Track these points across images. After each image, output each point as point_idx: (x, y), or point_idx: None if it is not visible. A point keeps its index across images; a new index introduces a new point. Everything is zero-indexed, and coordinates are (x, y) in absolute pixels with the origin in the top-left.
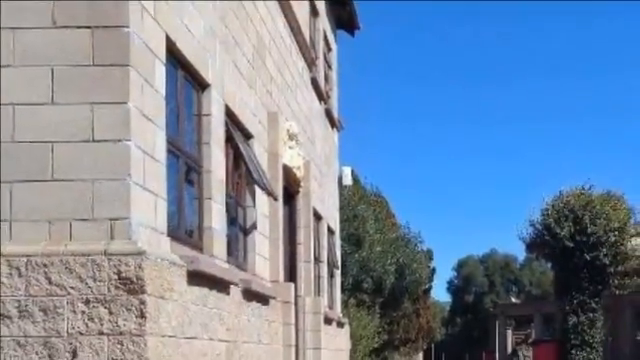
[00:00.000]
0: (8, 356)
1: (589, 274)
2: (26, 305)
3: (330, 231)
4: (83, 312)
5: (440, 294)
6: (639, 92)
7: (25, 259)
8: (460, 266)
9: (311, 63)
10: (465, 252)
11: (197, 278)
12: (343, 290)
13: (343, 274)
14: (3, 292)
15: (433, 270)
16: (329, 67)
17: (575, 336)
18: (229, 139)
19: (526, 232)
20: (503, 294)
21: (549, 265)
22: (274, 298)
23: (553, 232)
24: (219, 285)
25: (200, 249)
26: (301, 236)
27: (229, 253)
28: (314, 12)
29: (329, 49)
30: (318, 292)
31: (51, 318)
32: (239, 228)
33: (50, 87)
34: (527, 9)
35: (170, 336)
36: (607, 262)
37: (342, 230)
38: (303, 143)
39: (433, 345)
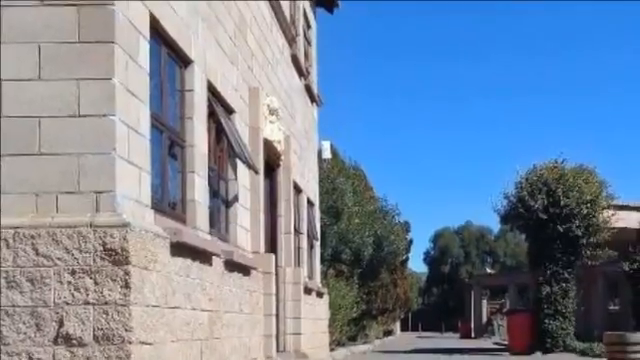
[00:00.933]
0: None
1: (562, 245)
2: (14, 276)
3: (310, 203)
4: (69, 282)
5: (417, 265)
6: (610, 69)
7: (13, 231)
8: (436, 237)
9: (291, 40)
10: (441, 224)
11: (180, 249)
12: (322, 261)
13: (322, 245)
14: None
15: (410, 241)
16: (309, 44)
17: (548, 306)
18: (211, 114)
19: (501, 204)
20: (478, 265)
21: (523, 237)
22: (255, 269)
23: (527, 204)
24: (202, 256)
25: (183, 221)
26: (281, 208)
27: (211, 225)
28: None
29: (309, 26)
30: (298, 263)
31: (38, 288)
32: (221, 200)
33: (37, 63)
34: None
35: (154, 306)
36: (579, 234)
37: (321, 202)
38: (283, 118)
39: (410, 314)
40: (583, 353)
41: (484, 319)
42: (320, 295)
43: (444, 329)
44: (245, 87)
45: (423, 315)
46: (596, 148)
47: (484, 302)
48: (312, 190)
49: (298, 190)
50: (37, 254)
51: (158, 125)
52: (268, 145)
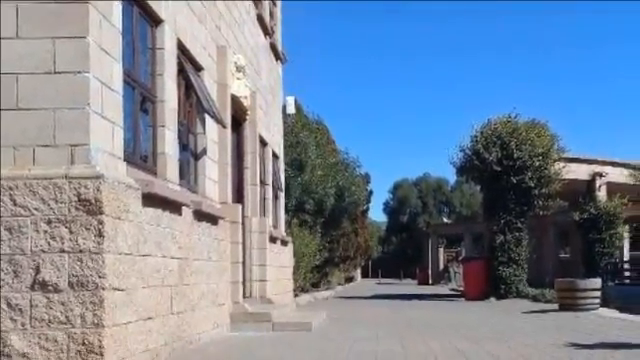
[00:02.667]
0: None
1: (515, 196)
2: None
3: (275, 156)
4: (45, 232)
5: (377, 215)
6: (558, 27)
7: None
8: (395, 188)
9: (257, 0)
10: (400, 175)
11: (151, 200)
12: (287, 211)
13: (287, 196)
14: None
15: (370, 192)
16: (274, 4)
17: (502, 254)
18: (181, 71)
19: (457, 157)
20: (436, 215)
21: (478, 188)
22: (223, 218)
23: (482, 157)
24: (172, 206)
25: (154, 173)
26: (248, 161)
27: (181, 177)
28: None
29: None
30: (264, 213)
31: (16, 237)
32: (190, 153)
33: (15, 22)
34: None
35: (126, 254)
36: (532, 185)
37: (286, 155)
38: (250, 75)
39: (370, 262)
40: (535, 299)
41: (441, 266)
42: (285, 243)
43: (403, 276)
44: (213, 45)
45: (383, 263)
46: (548, 103)
47: (441, 250)
48: (277, 143)
49: (264, 143)
50: (15, 204)
51: (130, 81)
52: (235, 101)
